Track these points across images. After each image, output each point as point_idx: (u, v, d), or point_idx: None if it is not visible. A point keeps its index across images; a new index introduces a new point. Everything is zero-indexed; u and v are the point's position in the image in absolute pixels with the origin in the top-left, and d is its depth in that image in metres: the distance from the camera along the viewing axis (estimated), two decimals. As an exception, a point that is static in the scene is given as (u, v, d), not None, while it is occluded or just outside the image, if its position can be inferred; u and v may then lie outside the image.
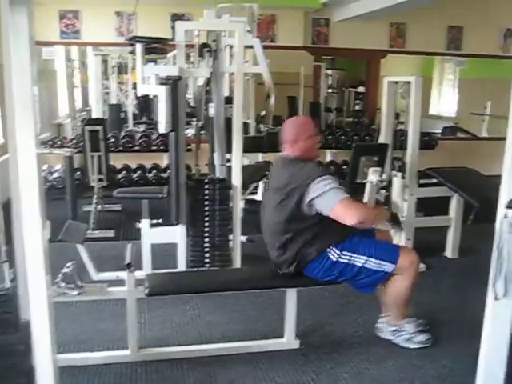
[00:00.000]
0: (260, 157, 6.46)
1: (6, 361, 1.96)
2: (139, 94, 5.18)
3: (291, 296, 2.98)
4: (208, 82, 4.06)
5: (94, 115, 8.02)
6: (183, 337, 3.19)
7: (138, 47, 3.54)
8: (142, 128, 8.42)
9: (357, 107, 9.25)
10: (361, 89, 8.97)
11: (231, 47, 4.92)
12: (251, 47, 4.81)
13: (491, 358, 1.89)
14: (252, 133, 6.73)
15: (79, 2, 6.85)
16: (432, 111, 11.15)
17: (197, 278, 3.16)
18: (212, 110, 4.20)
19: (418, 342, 3.06)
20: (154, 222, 4.05)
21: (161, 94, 3.36)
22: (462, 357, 2.90)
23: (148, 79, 3.57)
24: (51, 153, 6.35)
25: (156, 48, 3.77)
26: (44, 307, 1.91)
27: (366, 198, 4.14)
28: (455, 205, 4.53)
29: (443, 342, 3.16)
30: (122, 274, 3.06)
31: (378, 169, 4.08)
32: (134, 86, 8.89)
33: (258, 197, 6.25)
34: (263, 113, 6.48)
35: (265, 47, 5.24)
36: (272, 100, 4.91)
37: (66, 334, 3.06)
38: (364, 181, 4.11)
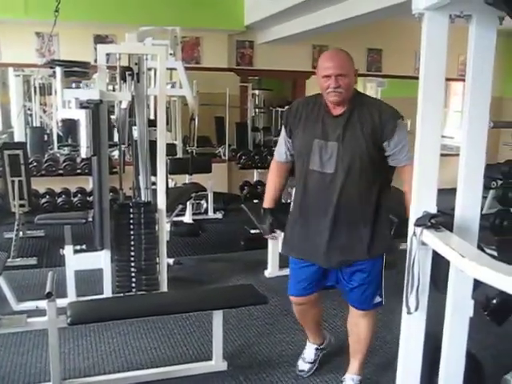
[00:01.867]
0: (187, 178, 6.45)
1: None
2: (59, 119, 5.07)
3: (217, 318, 2.98)
4: (131, 104, 4.03)
5: (17, 138, 7.77)
6: (109, 365, 3.11)
7: (58, 70, 3.48)
8: (66, 151, 8.21)
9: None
10: (287, 108, 9.14)
11: (155, 70, 4.91)
12: (175, 69, 4.83)
13: (408, 368, 1.96)
14: (179, 154, 6.71)
15: (-1, 23, 6.65)
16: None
17: (121, 303, 3.10)
18: (136, 133, 4.17)
19: None
20: (78, 247, 3.95)
21: (82, 117, 3.31)
22: (383, 371, 3.00)
23: (69, 103, 3.51)
24: None
25: (77, 71, 3.71)
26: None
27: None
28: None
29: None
30: (43, 304, 2.96)
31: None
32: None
33: (186, 219, 6.23)
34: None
35: (190, 69, 5.30)
36: (195, 121, 4.93)
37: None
38: (289, 201, 4.20)
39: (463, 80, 1.85)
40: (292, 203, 2.72)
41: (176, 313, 3.08)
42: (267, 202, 2.77)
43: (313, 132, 2.46)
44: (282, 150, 2.68)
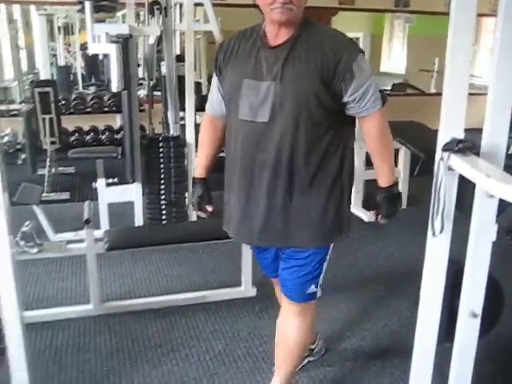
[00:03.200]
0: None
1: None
2: (90, 53, 5.11)
3: (246, 246, 3.09)
4: (159, 40, 4.06)
5: (42, 78, 7.84)
6: (144, 290, 3.29)
7: (87, 5, 3.50)
8: (92, 90, 8.29)
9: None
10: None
11: (181, 5, 4.89)
12: (202, 5, 4.80)
13: (431, 290, 2.05)
14: (204, 92, 6.74)
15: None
16: (382, 68, 11.34)
17: (154, 231, 3.25)
18: (164, 69, 4.21)
19: None
20: (110, 181, 4.09)
21: (112, 52, 3.36)
22: (410, 295, 3.10)
23: (98, 38, 3.55)
24: (8, 109, 6.17)
25: (105, 6, 3.73)
26: (8, 265, 1.96)
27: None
28: (403, 157, 4.72)
29: (393, 284, 3.37)
30: (81, 233, 3.11)
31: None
32: (82, 47, 8.74)
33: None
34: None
35: (215, 5, 5.23)
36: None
37: (27, 293, 3.12)
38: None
39: (495, 15, 1.84)
40: (225, 167, 2.07)
41: (205, 240, 3.18)
42: (198, 171, 2.17)
43: (243, 69, 1.88)
44: (214, 100, 2.07)
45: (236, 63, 1.91)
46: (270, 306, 3.08)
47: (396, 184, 2.03)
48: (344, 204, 2.01)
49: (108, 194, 3.95)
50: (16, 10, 8.40)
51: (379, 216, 2.08)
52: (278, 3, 1.75)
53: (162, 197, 3.88)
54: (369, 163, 4.68)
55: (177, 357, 2.65)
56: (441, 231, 1.93)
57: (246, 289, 3.19)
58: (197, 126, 4.11)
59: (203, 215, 2.20)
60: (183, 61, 3.94)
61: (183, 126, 4.14)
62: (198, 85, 6.52)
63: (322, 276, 2.09)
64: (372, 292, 3.31)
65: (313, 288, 2.07)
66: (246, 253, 3.11)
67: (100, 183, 3.94)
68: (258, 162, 1.88)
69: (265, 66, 1.84)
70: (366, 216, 4.50)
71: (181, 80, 4.07)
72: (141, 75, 6.15)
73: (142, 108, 5.08)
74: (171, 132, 4.20)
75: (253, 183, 1.91)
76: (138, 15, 5.90)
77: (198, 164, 2.20)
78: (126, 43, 3.44)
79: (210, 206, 2.17)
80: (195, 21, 6.08)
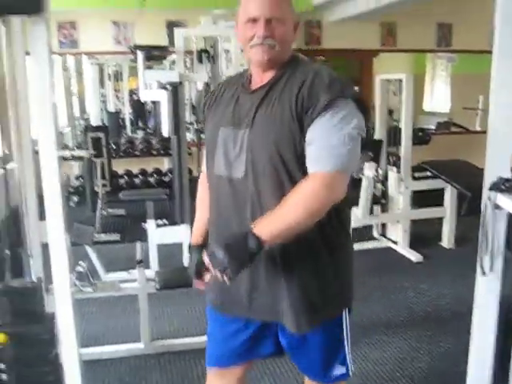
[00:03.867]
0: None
1: (33, 350, 2.10)
2: (142, 100, 5.33)
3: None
4: (207, 86, 4.22)
5: (93, 123, 8.16)
6: (193, 329, 3.34)
7: (140, 55, 3.70)
8: (139, 134, 8.57)
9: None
10: (355, 87, 9.12)
11: (228, 51, 5.07)
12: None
13: (481, 330, 2.04)
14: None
15: (77, 13, 7.00)
16: (426, 107, 11.32)
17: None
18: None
19: None
20: (159, 222, 4.21)
21: (163, 99, 3.51)
22: (460, 335, 3.06)
23: (150, 85, 3.73)
24: (71, 155, 6.43)
25: (156, 55, 3.93)
26: (68, 303, 2.06)
27: (362, 193, 4.32)
28: (449, 196, 4.69)
29: (443, 324, 3.33)
30: (133, 273, 3.21)
31: (374, 164, 4.27)
32: (131, 93, 9.08)
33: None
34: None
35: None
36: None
37: (81, 330, 3.21)
38: (360, 176, 4.29)
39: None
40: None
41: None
42: (195, 236, 1.86)
43: (221, 117, 1.66)
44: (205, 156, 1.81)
45: (216, 110, 1.69)
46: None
47: (261, 243, 1.47)
48: (341, 268, 1.68)
49: (157, 235, 4.06)
50: (70, 59, 8.84)
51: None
52: (258, 38, 1.53)
53: (210, 237, 3.96)
54: (415, 202, 4.74)
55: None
56: (490, 270, 1.94)
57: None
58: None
59: (202, 287, 1.78)
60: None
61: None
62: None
63: (347, 350, 1.73)
64: (422, 331, 3.28)
65: (338, 369, 1.73)
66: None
67: (150, 224, 4.06)
68: (234, 219, 1.62)
69: (242, 112, 1.61)
70: (414, 256, 4.48)
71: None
72: (187, 119, 6.37)
73: (189, 152, 5.24)
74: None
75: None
76: (185, 61, 6.15)
77: (195, 228, 1.87)
78: (175, 90, 3.60)
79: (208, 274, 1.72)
80: (241, 65, 6.27)
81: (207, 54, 3.89)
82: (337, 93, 1.49)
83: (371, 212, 4.51)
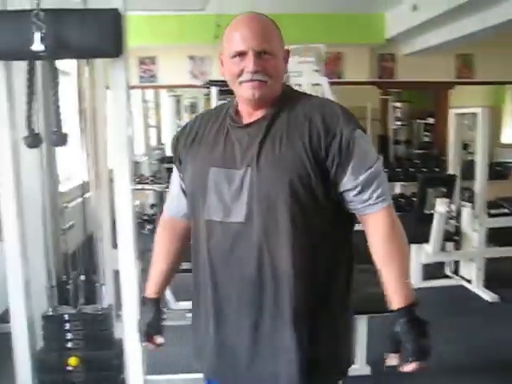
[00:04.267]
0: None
1: (101, 374, 2.18)
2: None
3: (362, 323, 3.07)
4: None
5: (168, 153, 8.41)
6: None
7: (213, 90, 3.82)
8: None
9: (426, 139, 9.23)
10: (430, 120, 8.96)
11: (300, 86, 5.13)
12: (319, 84, 5.01)
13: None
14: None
15: (156, 49, 7.33)
16: (504, 140, 10.94)
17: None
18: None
19: None
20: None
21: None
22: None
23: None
24: (143, 189, 6.69)
25: (229, 89, 4.03)
26: (136, 328, 2.12)
27: (434, 229, 4.21)
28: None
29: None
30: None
31: (446, 199, 4.16)
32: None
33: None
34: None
35: (332, 83, 5.44)
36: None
37: (147, 357, 3.27)
38: (432, 211, 4.19)
39: None
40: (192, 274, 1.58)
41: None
42: (150, 288, 1.66)
43: (209, 157, 1.45)
44: (173, 197, 1.63)
45: (199, 150, 1.48)
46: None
47: (417, 304, 1.43)
48: (336, 332, 1.51)
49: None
50: (148, 92, 9.22)
51: (404, 359, 1.45)
52: (248, 73, 1.36)
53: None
54: (490, 240, 4.56)
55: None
56: None
57: (361, 367, 3.13)
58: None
59: (151, 347, 1.69)
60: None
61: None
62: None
63: None
64: (499, 376, 3.12)
65: None
66: (362, 328, 3.07)
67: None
68: (234, 276, 1.42)
69: (237, 149, 1.42)
70: (489, 296, 4.30)
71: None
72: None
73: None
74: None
75: (225, 305, 1.45)
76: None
77: (150, 280, 1.66)
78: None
79: (160, 337, 1.68)
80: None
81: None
82: (354, 126, 1.39)
83: (443, 249, 4.38)
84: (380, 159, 1.43)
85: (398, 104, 8.83)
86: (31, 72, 1.82)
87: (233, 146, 1.42)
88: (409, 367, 1.42)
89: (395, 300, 1.41)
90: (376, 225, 1.41)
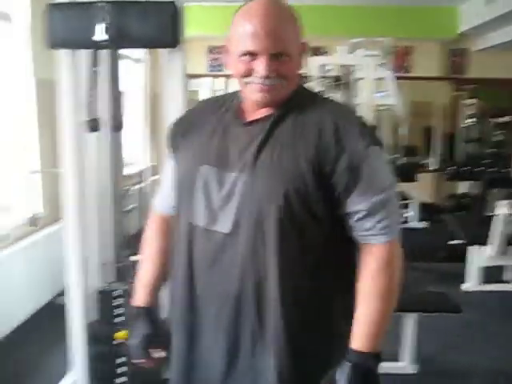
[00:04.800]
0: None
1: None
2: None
3: (410, 321, 3.04)
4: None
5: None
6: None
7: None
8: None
9: (498, 138, 8.91)
10: (506, 118, 8.64)
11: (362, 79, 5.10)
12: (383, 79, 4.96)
13: None
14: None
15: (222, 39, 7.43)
16: None
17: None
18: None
19: None
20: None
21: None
22: None
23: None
24: None
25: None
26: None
27: (493, 232, 4.09)
28: None
29: None
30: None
31: (509, 201, 4.03)
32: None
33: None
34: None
35: (400, 78, 5.36)
36: (402, 130, 5.01)
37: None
38: (493, 214, 4.07)
39: None
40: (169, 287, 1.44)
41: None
42: (140, 297, 1.45)
43: (201, 152, 1.29)
44: (165, 191, 1.46)
45: (193, 143, 1.32)
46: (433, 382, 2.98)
47: (378, 356, 1.26)
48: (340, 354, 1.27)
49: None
50: (219, 80, 9.37)
51: None
52: (257, 78, 1.19)
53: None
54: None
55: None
56: None
57: (407, 365, 3.11)
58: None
59: (151, 365, 1.43)
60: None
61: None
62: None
63: None
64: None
65: None
66: (409, 326, 3.06)
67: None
68: (214, 291, 1.27)
69: (234, 148, 1.25)
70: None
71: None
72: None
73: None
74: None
75: (201, 321, 1.30)
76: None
77: (140, 286, 1.46)
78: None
79: (160, 351, 1.42)
80: (383, 91, 6.21)
81: (340, 82, 3.96)
82: (369, 141, 1.20)
83: (505, 252, 4.25)
84: (394, 184, 1.25)
85: (471, 101, 8.56)
86: (94, 60, 1.93)
87: (229, 144, 1.26)
88: None
89: (354, 338, 1.23)
90: (371, 258, 1.23)
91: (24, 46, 3.69)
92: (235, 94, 1.33)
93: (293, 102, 1.25)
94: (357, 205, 1.20)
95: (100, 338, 2.21)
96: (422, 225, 6.62)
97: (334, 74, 4.05)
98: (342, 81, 3.98)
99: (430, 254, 5.43)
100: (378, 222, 1.21)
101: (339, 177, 1.18)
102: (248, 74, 1.20)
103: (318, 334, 1.28)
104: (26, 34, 3.67)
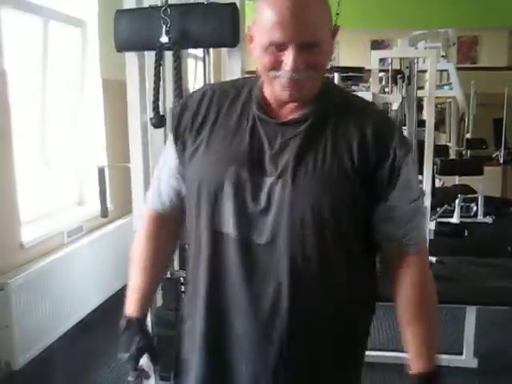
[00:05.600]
0: (456, 180, 6.42)
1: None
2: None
3: (471, 313, 3.04)
4: (402, 106, 4.26)
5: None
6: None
7: (336, 76, 3.89)
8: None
9: None
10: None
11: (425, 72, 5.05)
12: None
13: None
14: (452, 155, 6.70)
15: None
16: None
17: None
18: (405, 133, 4.38)
19: None
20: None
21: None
22: None
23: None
24: None
25: (352, 76, 4.09)
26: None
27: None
28: None
29: None
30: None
31: None
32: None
33: (453, 219, 6.19)
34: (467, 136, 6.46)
35: (466, 69, 5.27)
36: (466, 122, 4.92)
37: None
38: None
39: None
40: (183, 308, 1.35)
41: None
42: (132, 306, 1.32)
43: (226, 152, 1.16)
44: (165, 187, 1.31)
45: (212, 138, 1.18)
46: (493, 378, 2.97)
47: (439, 374, 1.19)
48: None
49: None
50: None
51: None
52: (286, 71, 1.06)
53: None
54: None
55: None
56: None
57: (467, 358, 3.10)
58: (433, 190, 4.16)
59: (148, 376, 1.35)
60: (425, 126, 4.07)
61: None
62: (445, 148, 6.51)
63: None
64: None
65: None
66: (470, 319, 3.04)
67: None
68: (241, 310, 1.16)
69: (267, 150, 1.14)
70: None
71: (421, 144, 4.19)
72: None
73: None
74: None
75: (229, 336, 1.19)
76: (380, 80, 6.25)
77: (132, 294, 1.33)
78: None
79: (156, 364, 1.35)
80: (447, 84, 6.12)
81: (402, 75, 3.94)
82: (408, 147, 1.17)
83: None
84: (423, 195, 1.22)
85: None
86: (159, 61, 2.05)
87: (261, 144, 1.14)
88: None
89: (416, 362, 1.19)
90: (408, 269, 1.19)
91: (92, 50, 3.91)
92: (250, 83, 1.21)
93: (326, 99, 1.15)
94: (390, 211, 1.15)
95: (164, 322, 2.33)
96: (488, 219, 6.47)
97: (394, 67, 4.04)
98: (404, 74, 3.96)
99: (496, 248, 5.31)
100: (412, 229, 1.18)
101: (380, 179, 1.12)
102: (275, 67, 1.07)
103: (344, 358, 1.24)
104: (94, 38, 3.89)
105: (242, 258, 1.13)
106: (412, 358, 1.19)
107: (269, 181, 1.12)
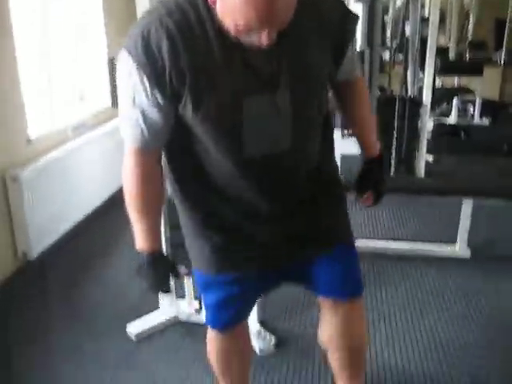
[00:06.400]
0: (455, 81, 6.40)
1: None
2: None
3: (467, 206, 3.14)
4: (406, 3, 4.16)
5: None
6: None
7: None
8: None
9: None
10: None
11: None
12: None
13: None
14: (451, 57, 6.61)
15: None
16: None
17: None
18: (407, 29, 4.32)
19: None
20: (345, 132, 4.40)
21: (359, 11, 3.62)
22: None
23: (348, -1, 3.83)
24: None
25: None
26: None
27: None
28: None
29: None
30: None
31: None
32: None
33: (450, 120, 6.23)
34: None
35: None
36: (468, 23, 4.81)
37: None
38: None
39: None
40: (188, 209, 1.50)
41: (428, 194, 3.33)
42: (148, 242, 1.43)
43: (233, 83, 1.22)
44: (150, 128, 1.28)
45: (214, 76, 1.20)
46: (484, 268, 3.11)
47: (382, 159, 1.69)
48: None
49: (341, 145, 4.25)
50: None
51: (367, 197, 1.68)
52: (258, 43, 1.15)
53: (393, 152, 4.05)
54: None
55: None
56: None
57: (461, 249, 3.25)
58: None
59: (186, 272, 1.52)
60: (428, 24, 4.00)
61: (420, 88, 4.22)
62: (444, 50, 6.42)
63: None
64: None
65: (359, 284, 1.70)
66: (466, 210, 3.17)
67: (336, 134, 4.25)
68: (286, 190, 1.44)
69: (260, 68, 1.23)
70: None
71: (424, 42, 4.14)
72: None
73: (384, 70, 5.24)
74: (409, 93, 4.31)
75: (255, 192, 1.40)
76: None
77: (147, 234, 1.42)
78: (372, 4, 3.66)
79: (183, 268, 1.51)
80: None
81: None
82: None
83: None
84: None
85: None
86: None
87: (251, 65, 1.22)
88: (369, 202, 1.67)
89: (372, 150, 1.64)
90: (360, 85, 1.60)
91: None
92: (195, 3, 1.18)
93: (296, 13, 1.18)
94: (352, 49, 1.45)
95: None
96: (485, 121, 6.49)
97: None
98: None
99: (493, 148, 5.38)
100: (356, 61, 1.54)
101: (346, 39, 1.39)
102: (243, 35, 1.13)
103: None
104: None
105: (271, 169, 1.36)
106: (365, 147, 1.65)
107: (282, 95, 1.26)
